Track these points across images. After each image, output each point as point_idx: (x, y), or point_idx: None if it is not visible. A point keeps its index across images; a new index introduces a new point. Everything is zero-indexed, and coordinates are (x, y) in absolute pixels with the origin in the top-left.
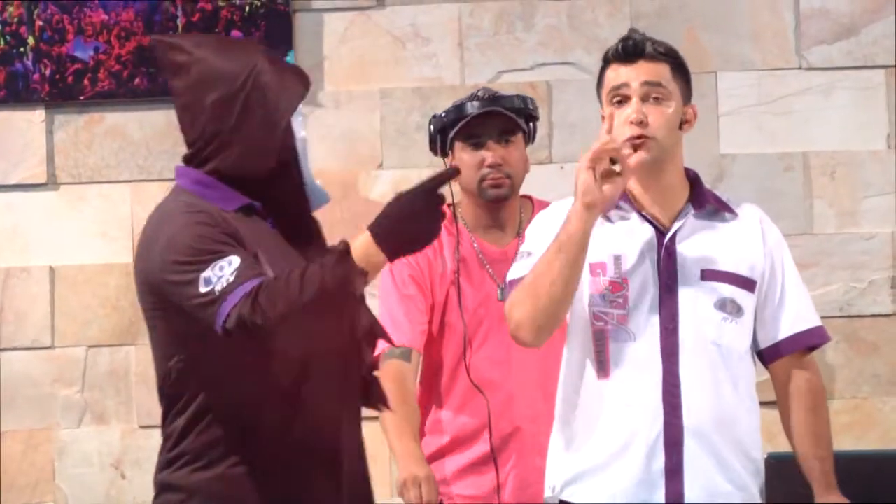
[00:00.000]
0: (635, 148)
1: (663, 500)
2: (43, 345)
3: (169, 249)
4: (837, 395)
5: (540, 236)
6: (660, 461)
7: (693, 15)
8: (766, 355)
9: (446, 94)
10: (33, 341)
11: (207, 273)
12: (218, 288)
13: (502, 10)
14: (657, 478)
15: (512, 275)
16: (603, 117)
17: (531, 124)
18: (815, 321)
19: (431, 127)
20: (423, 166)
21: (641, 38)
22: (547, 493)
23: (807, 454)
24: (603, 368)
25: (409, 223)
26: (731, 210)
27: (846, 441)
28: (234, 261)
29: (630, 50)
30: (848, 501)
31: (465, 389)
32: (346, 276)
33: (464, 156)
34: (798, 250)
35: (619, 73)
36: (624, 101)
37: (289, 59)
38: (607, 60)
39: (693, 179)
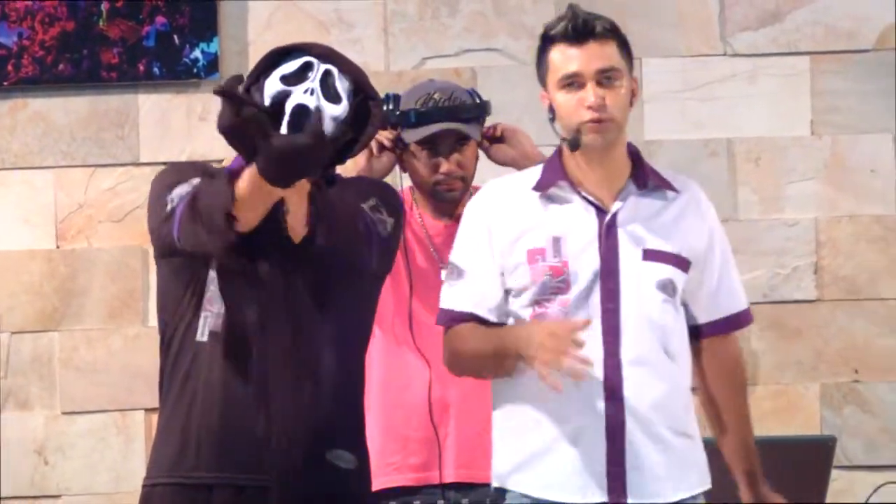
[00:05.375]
0: (595, 130)
1: (606, 483)
2: None
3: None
4: (761, 381)
5: (470, 244)
6: (601, 447)
7: (618, 1)
8: (701, 331)
9: (371, 80)
10: None
11: (174, 191)
12: (177, 198)
13: None
14: (599, 464)
15: (445, 302)
16: (546, 99)
17: (483, 118)
18: (745, 303)
19: (387, 110)
20: None
21: (589, 17)
22: (493, 483)
23: (732, 447)
24: None
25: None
26: (672, 188)
27: (769, 427)
28: (194, 182)
29: (580, 30)
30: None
31: (408, 361)
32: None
33: (418, 157)
34: None
35: (568, 58)
36: (576, 85)
37: (213, 45)
38: (551, 40)
39: (634, 155)
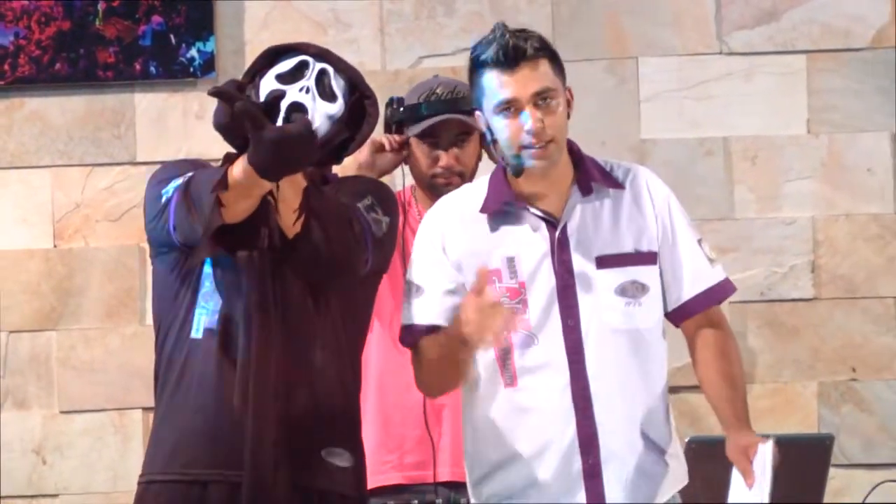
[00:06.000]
0: (538, 156)
1: (584, 502)
2: None
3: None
4: (758, 379)
5: (425, 261)
6: (577, 464)
7: (614, 0)
8: (673, 316)
9: (368, 79)
10: None
11: (169, 186)
12: (169, 195)
13: None
14: (576, 480)
15: (406, 318)
16: (481, 119)
17: None
18: (716, 277)
19: (388, 112)
20: None
21: (519, 40)
22: (472, 499)
23: (717, 396)
24: (509, 377)
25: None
26: (617, 184)
27: (767, 425)
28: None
29: (511, 56)
30: (758, 436)
31: (402, 367)
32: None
33: (418, 150)
34: (719, 235)
35: (502, 83)
36: (513, 110)
37: (210, 44)
38: (483, 64)
39: (576, 155)
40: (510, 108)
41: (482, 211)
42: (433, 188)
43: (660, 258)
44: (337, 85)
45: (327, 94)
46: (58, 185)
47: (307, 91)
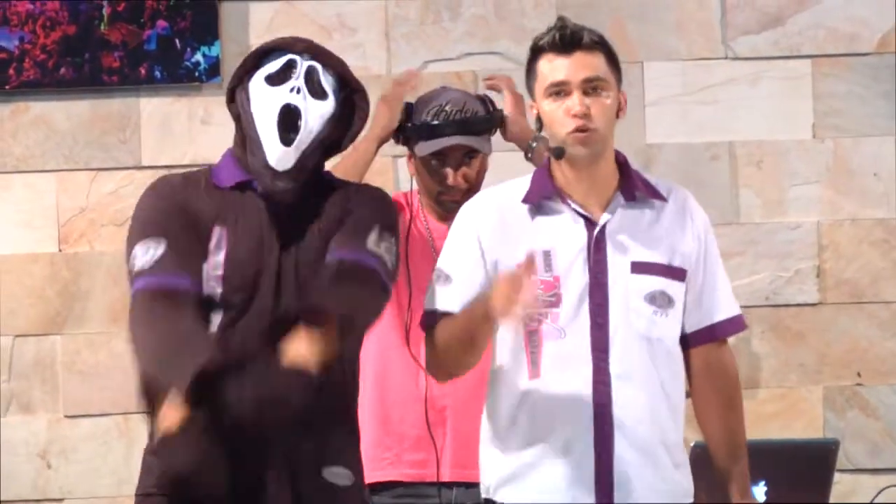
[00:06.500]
0: (580, 141)
1: (594, 500)
2: None
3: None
4: (763, 384)
5: (459, 251)
6: (590, 460)
7: (619, 5)
8: (686, 341)
9: (373, 84)
10: None
11: (138, 248)
12: (136, 267)
13: (429, 0)
14: (588, 477)
15: (430, 304)
16: (534, 109)
17: (495, 127)
18: (736, 309)
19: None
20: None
21: (577, 28)
22: (482, 493)
23: (722, 456)
24: (535, 368)
25: None
26: (660, 196)
27: (772, 430)
28: (161, 248)
29: (567, 40)
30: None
31: (403, 365)
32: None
33: (426, 167)
34: (724, 239)
35: (555, 67)
36: (563, 93)
37: (215, 49)
38: (540, 50)
39: (622, 165)
40: (560, 90)
41: (524, 201)
42: (440, 204)
43: (688, 278)
44: (326, 82)
45: (318, 93)
46: (63, 190)
47: (298, 91)
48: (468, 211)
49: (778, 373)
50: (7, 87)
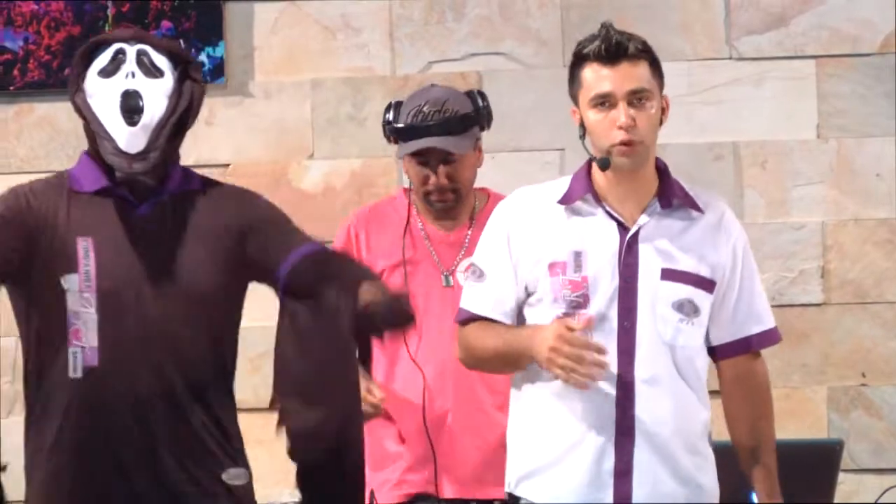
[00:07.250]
0: (625, 153)
1: (611, 500)
2: None
3: None
4: None
5: (490, 248)
6: (610, 461)
7: (623, 5)
8: (718, 352)
9: (377, 85)
10: None
11: None
12: None
13: (433, 0)
14: (606, 478)
15: (465, 302)
16: (577, 115)
17: (482, 123)
18: (771, 322)
19: (385, 119)
20: (353, 157)
21: (623, 38)
22: (505, 488)
23: (748, 460)
24: None
25: None
26: (697, 207)
27: (776, 430)
28: None
29: (612, 51)
30: None
31: (404, 370)
32: None
33: (410, 168)
34: None
35: (601, 77)
36: (608, 105)
37: (219, 50)
38: (584, 58)
39: (662, 171)
40: (605, 102)
41: (561, 202)
42: (429, 203)
43: (718, 291)
44: (159, 60)
45: (153, 72)
46: None
47: (133, 75)
48: (502, 209)
49: (782, 373)
50: (11, 87)
